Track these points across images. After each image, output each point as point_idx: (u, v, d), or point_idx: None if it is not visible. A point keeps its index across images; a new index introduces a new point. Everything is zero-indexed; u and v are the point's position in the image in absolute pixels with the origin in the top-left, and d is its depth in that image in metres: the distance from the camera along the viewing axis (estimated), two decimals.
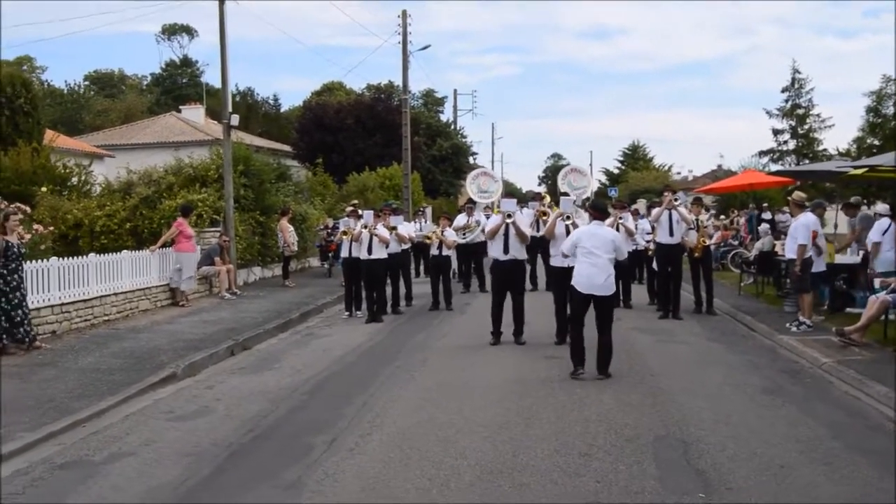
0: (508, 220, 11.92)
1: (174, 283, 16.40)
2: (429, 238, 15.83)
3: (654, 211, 14.95)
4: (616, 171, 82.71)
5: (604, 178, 79.17)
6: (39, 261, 12.87)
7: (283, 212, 20.55)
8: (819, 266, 12.95)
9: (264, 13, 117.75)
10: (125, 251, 15.70)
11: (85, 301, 13.62)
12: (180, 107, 46.20)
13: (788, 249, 12.75)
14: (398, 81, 41.32)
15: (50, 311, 12.72)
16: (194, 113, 43.44)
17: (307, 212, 24.30)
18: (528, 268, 16.11)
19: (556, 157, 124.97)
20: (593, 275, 9.50)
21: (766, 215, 22.16)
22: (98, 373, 9.98)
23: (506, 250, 11.99)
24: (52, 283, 12.90)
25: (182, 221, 16.73)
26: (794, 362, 10.59)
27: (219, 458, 6.76)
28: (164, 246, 16.44)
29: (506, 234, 11.97)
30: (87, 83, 64.92)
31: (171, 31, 73.83)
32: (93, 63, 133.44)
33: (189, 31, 74.75)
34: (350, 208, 17.04)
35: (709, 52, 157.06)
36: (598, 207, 10.46)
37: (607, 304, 9.68)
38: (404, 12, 32.97)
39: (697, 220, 14.61)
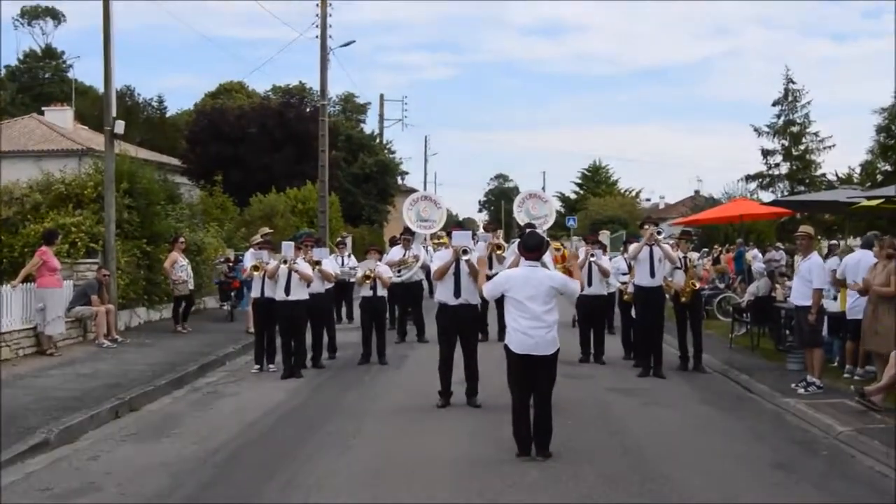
0: (464, 258, 11.85)
1: (39, 326, 16.01)
2: (368, 277, 15.46)
3: (632, 247, 15.03)
4: (573, 197, 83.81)
5: (559, 205, 79.97)
6: None
7: (174, 241, 20.20)
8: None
9: None
10: None
11: None
12: (43, 108, 45.54)
13: (798, 294, 12.89)
14: (310, 82, 41.43)
15: None
16: (60, 116, 42.85)
17: (203, 241, 23.98)
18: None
19: (501, 178, 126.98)
20: (529, 330, 9.00)
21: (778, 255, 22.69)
22: None
23: (457, 293, 11.95)
24: None
25: (46, 250, 16.30)
26: (805, 431, 10.76)
27: None
28: (25, 280, 16.04)
29: (456, 274, 11.94)
30: None
31: (33, 14, 72.95)
32: None
33: (55, 14, 74.08)
34: (261, 238, 16.92)
35: (682, 56, 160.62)
36: (528, 245, 9.50)
37: (548, 366, 9.14)
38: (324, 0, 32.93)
39: (685, 258, 14.82)
